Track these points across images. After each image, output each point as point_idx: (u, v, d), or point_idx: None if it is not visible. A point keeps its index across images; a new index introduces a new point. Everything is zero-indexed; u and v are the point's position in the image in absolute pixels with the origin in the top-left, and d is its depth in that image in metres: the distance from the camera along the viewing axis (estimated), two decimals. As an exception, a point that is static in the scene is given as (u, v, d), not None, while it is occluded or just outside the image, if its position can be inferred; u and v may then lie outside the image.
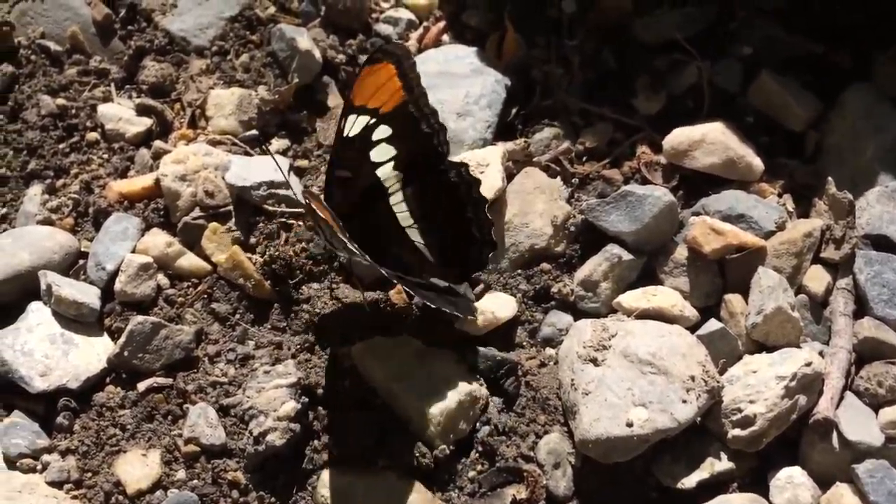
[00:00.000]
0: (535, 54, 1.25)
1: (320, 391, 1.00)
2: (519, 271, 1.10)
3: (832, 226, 1.09)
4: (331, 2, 1.26)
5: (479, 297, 1.08)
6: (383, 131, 1.01)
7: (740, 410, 0.97)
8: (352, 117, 1.00)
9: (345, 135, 1.00)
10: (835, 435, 0.99)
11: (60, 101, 1.21)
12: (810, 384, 0.99)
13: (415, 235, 1.04)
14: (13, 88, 1.22)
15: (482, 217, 1.03)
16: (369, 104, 1.00)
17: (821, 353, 1.02)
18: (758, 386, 0.98)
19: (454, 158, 1.13)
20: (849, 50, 1.22)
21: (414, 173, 1.03)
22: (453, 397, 0.99)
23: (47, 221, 1.13)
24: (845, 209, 1.08)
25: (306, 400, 0.99)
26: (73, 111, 1.21)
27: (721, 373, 1.00)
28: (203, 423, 0.99)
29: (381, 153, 1.02)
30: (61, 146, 1.19)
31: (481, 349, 1.04)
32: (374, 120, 1.00)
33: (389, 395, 1.00)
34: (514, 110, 1.20)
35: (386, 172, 1.02)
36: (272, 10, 1.28)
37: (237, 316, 1.08)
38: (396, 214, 1.04)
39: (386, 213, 1.04)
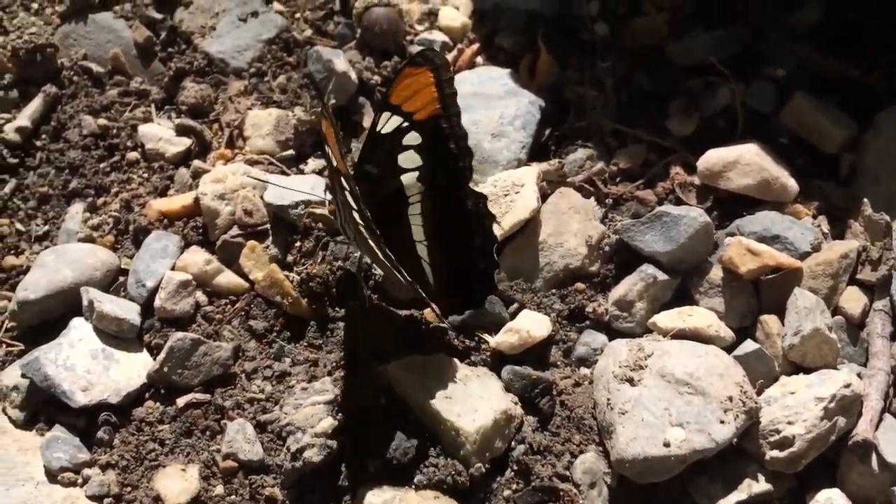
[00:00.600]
0: (569, 76, 1.26)
1: (357, 408, 1.01)
2: (553, 291, 1.11)
3: (868, 247, 1.09)
4: (366, 24, 1.28)
5: (513, 316, 1.08)
6: (413, 138, 1.01)
7: (779, 431, 0.97)
8: (386, 114, 1.00)
9: (378, 129, 1.01)
10: (874, 457, 0.98)
11: (102, 121, 1.23)
12: (849, 406, 0.99)
13: (422, 252, 1.04)
14: (56, 109, 1.25)
15: (489, 254, 1.02)
16: (404, 107, 1.00)
17: (859, 375, 1.02)
18: (796, 407, 0.97)
19: (487, 179, 1.14)
20: (883, 72, 1.22)
21: (435, 190, 1.03)
22: (489, 416, 0.99)
23: (88, 239, 1.15)
24: (882, 230, 1.08)
25: (343, 417, 1.00)
26: (115, 131, 1.23)
27: (758, 394, 1.00)
28: (241, 438, 1.00)
29: (408, 160, 1.02)
30: (102, 165, 1.21)
31: (516, 368, 1.04)
32: (406, 124, 1.00)
33: (425, 413, 1.01)
34: (547, 131, 1.21)
35: (410, 181, 1.03)
36: (309, 32, 1.31)
37: (274, 333, 1.09)
38: (412, 226, 1.04)
39: (401, 222, 1.04)
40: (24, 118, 1.23)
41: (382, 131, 1.01)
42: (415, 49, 1.29)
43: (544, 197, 1.14)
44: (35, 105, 1.24)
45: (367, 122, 1.24)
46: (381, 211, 1.00)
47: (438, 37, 1.30)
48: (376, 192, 1.02)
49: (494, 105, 1.19)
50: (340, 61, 1.24)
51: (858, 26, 1.26)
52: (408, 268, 0.96)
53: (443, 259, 1.04)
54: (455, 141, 1.01)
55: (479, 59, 1.29)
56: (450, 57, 1.29)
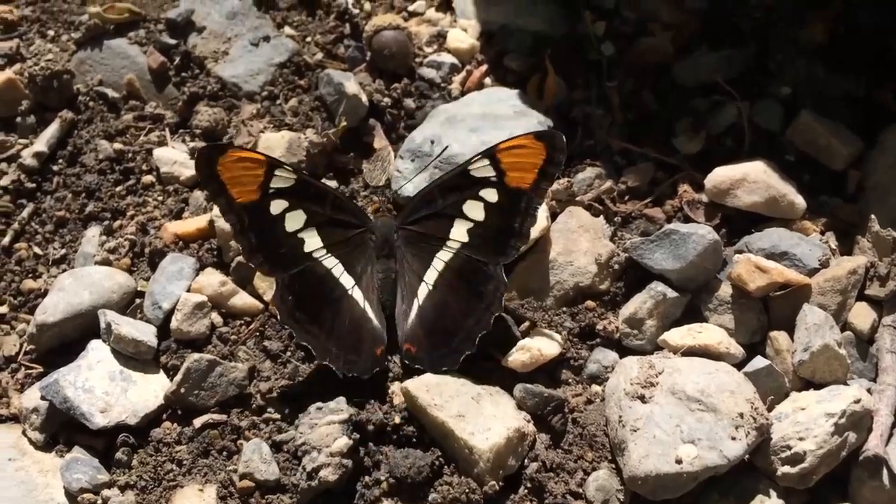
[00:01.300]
0: (576, 96, 1.28)
1: (371, 427, 1.02)
2: (564, 309, 1.12)
3: (876, 263, 1.09)
4: (376, 47, 1.30)
5: (524, 334, 1.10)
6: (491, 194, 1.05)
7: (790, 447, 0.98)
8: (485, 160, 1.04)
9: (468, 166, 1.05)
10: (885, 472, 0.99)
11: (117, 145, 1.26)
12: (859, 421, 0.99)
13: (422, 291, 1.07)
14: (72, 134, 1.27)
15: (486, 320, 1.04)
16: (503, 164, 1.04)
17: (868, 391, 1.03)
18: (807, 423, 0.98)
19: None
20: (890, 89, 1.24)
21: (474, 250, 1.06)
22: (502, 434, 1.00)
23: (105, 262, 1.17)
24: (889, 246, 1.09)
25: (358, 436, 1.01)
26: (130, 155, 1.25)
27: (769, 410, 1.01)
28: (257, 458, 1.01)
29: (473, 210, 1.05)
30: (118, 189, 1.23)
31: (528, 386, 1.05)
32: (494, 178, 1.04)
33: (439, 431, 1.02)
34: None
35: (461, 229, 1.06)
36: (320, 55, 1.33)
37: (288, 353, 1.10)
38: (431, 265, 1.07)
39: (421, 251, 1.08)
40: (42, 143, 1.25)
41: (470, 169, 1.04)
42: (425, 71, 1.31)
43: (554, 216, 1.15)
44: (52, 130, 1.26)
45: (377, 144, 1.26)
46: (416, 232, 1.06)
47: (447, 58, 1.32)
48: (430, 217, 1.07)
49: (504, 125, 1.21)
50: (351, 84, 1.26)
51: (865, 44, 1.27)
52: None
53: (438, 306, 1.06)
54: (523, 220, 1.04)
55: (488, 80, 1.31)
56: (458, 78, 1.31)
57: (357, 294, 1.06)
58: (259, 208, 1.04)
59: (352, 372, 1.04)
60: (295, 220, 1.05)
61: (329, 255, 1.07)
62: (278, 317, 1.06)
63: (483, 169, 1.04)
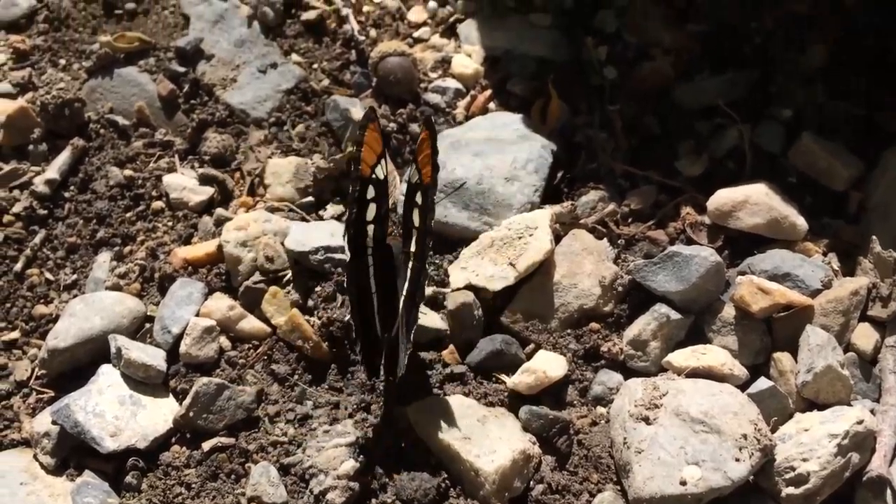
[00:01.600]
0: (579, 120, 1.29)
1: (378, 450, 1.03)
2: (568, 331, 1.13)
3: (878, 284, 1.10)
4: (382, 73, 1.32)
5: (529, 356, 1.11)
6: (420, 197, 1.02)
7: (793, 469, 0.98)
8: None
9: (405, 190, 1.03)
10: (889, 492, 0.99)
11: (128, 171, 1.28)
12: (863, 442, 1.00)
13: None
14: (83, 161, 1.29)
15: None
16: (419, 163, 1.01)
17: (872, 411, 1.03)
18: (810, 444, 0.99)
19: (501, 223, 1.17)
20: (890, 110, 1.25)
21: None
22: (507, 456, 1.01)
23: (115, 287, 1.18)
24: (891, 267, 1.10)
25: (364, 459, 1.02)
26: (140, 181, 1.27)
27: (773, 431, 1.01)
28: (265, 481, 1.02)
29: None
30: (128, 215, 1.25)
31: (533, 408, 1.06)
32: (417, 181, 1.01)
33: (445, 453, 1.03)
34: (559, 174, 1.24)
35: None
36: (326, 82, 1.35)
37: (296, 377, 1.11)
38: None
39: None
40: (53, 170, 1.27)
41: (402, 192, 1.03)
42: (430, 96, 1.33)
43: (558, 239, 1.17)
44: (63, 158, 1.28)
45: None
46: None
47: (451, 84, 1.34)
48: None
49: (507, 150, 1.22)
50: (357, 109, 1.28)
51: (866, 67, 1.28)
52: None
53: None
54: (424, 214, 1.01)
55: (492, 105, 1.33)
56: (463, 103, 1.33)
57: (375, 300, 1.05)
58: (365, 183, 1.03)
59: (372, 377, 1.06)
60: (371, 211, 1.04)
61: (371, 254, 1.05)
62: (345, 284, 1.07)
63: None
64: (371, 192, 1.03)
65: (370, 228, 1.04)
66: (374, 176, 1.03)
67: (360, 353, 1.07)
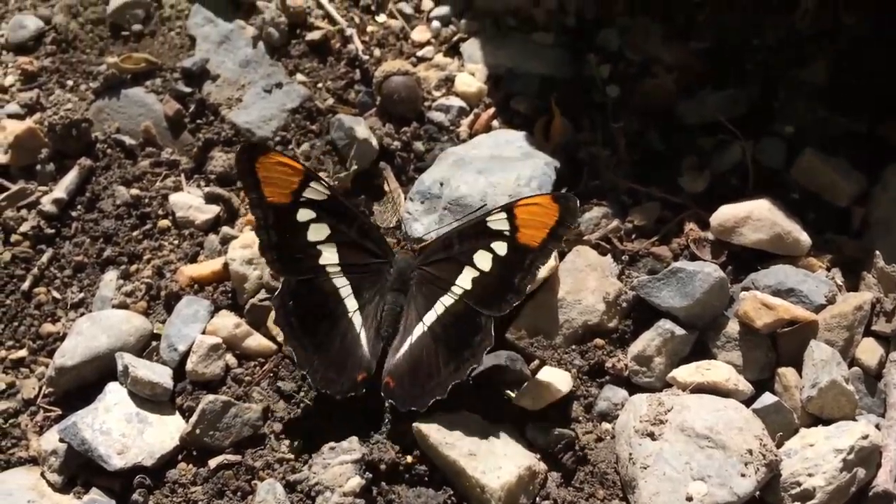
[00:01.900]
0: (582, 137, 1.30)
1: (383, 467, 1.03)
2: (573, 347, 1.13)
3: (882, 299, 1.10)
4: (386, 92, 1.33)
5: (534, 372, 1.11)
6: (500, 247, 1.07)
7: (799, 484, 0.98)
8: (503, 214, 1.07)
9: (486, 218, 1.08)
10: (895, 508, 0.99)
11: (134, 191, 1.28)
12: (868, 457, 1.00)
13: (420, 330, 1.09)
14: (90, 180, 1.30)
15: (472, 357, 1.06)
16: (518, 221, 1.06)
17: (877, 426, 1.03)
18: (816, 459, 0.99)
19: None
20: (892, 125, 1.25)
21: (475, 298, 1.07)
22: (513, 472, 1.01)
23: (122, 305, 1.19)
24: (894, 282, 1.10)
25: (370, 476, 1.02)
26: (146, 200, 1.28)
27: (778, 446, 1.01)
28: (271, 499, 1.02)
29: (481, 260, 1.08)
30: (135, 234, 1.26)
31: (539, 424, 1.06)
32: (508, 232, 1.06)
33: (450, 470, 1.03)
34: (563, 191, 1.25)
35: (467, 277, 1.08)
36: (331, 101, 1.36)
37: (301, 393, 1.12)
38: (433, 307, 1.09)
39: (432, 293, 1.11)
40: (61, 190, 1.28)
41: (487, 221, 1.07)
42: (434, 115, 1.34)
43: (562, 255, 1.17)
44: (71, 177, 1.29)
45: (388, 186, 1.28)
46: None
47: (455, 102, 1.35)
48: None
49: (511, 167, 1.23)
50: (361, 128, 1.29)
51: (867, 82, 1.29)
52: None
53: (427, 348, 1.07)
54: (523, 277, 1.06)
55: (496, 123, 1.33)
56: (466, 121, 1.34)
57: (357, 319, 1.08)
58: (286, 211, 1.07)
59: (326, 389, 1.06)
60: (318, 232, 1.08)
61: (341, 274, 1.09)
62: (273, 316, 1.09)
63: (499, 222, 1.07)
64: (307, 215, 1.07)
65: (325, 248, 1.08)
66: (303, 199, 1.07)
67: (313, 374, 1.07)
